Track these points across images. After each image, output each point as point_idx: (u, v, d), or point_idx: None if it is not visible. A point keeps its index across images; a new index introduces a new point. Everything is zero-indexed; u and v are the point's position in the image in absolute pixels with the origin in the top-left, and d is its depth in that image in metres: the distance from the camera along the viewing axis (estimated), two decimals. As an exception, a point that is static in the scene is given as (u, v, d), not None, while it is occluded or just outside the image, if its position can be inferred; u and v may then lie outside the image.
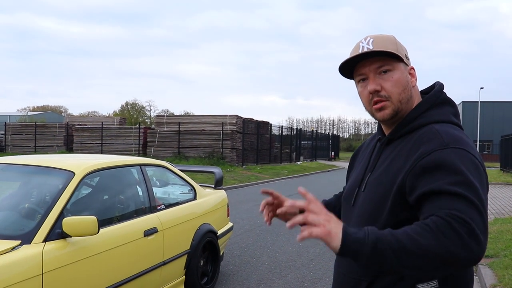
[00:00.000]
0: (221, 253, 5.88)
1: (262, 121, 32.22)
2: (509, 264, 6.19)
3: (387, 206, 1.59)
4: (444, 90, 1.75)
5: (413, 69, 1.73)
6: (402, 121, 1.69)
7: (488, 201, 1.52)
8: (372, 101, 1.69)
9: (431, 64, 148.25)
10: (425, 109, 1.68)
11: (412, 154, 1.57)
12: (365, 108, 1.75)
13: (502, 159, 32.43)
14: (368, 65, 1.67)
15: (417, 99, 1.73)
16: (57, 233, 3.37)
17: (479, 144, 52.95)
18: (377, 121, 1.80)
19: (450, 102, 1.73)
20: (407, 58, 1.72)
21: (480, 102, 53.58)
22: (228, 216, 6.30)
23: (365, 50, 1.65)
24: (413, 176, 1.52)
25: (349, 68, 1.73)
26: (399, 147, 1.66)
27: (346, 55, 1.75)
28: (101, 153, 31.35)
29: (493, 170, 31.67)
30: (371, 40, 1.67)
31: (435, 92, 1.72)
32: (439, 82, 1.79)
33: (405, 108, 1.69)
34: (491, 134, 55.12)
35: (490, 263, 6.33)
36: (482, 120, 53.88)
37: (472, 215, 1.38)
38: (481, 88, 52.32)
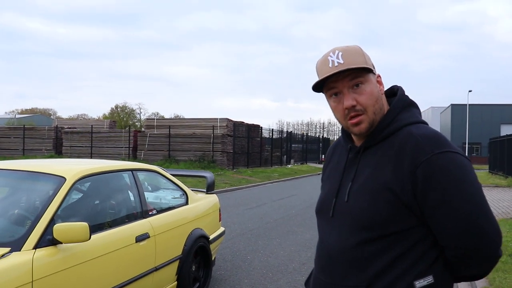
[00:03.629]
0: (213, 258, 5.85)
1: (253, 124, 32.21)
2: (499, 267, 6.21)
3: (382, 213, 1.59)
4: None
5: (380, 76, 1.75)
6: (377, 127, 1.70)
7: None
8: (348, 116, 1.68)
9: (421, 66, 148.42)
10: (397, 113, 1.72)
11: (400, 161, 1.60)
12: (339, 122, 1.75)
13: (490, 162, 32.63)
14: (340, 79, 1.66)
15: (386, 105, 1.75)
16: (47, 240, 3.32)
17: (468, 147, 53.29)
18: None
19: (414, 104, 1.79)
20: (373, 66, 1.73)
21: (469, 105, 54.00)
22: (220, 220, 6.27)
23: (336, 64, 1.63)
24: (414, 187, 1.57)
25: (319, 83, 1.70)
26: (380, 153, 1.67)
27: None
28: (91, 156, 31.22)
29: (481, 172, 31.88)
30: (340, 53, 1.65)
31: (402, 96, 1.77)
32: (397, 86, 1.84)
33: (379, 117, 1.70)
34: (479, 136, 55.56)
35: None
36: (470, 122, 54.31)
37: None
38: (470, 91, 52.80)
